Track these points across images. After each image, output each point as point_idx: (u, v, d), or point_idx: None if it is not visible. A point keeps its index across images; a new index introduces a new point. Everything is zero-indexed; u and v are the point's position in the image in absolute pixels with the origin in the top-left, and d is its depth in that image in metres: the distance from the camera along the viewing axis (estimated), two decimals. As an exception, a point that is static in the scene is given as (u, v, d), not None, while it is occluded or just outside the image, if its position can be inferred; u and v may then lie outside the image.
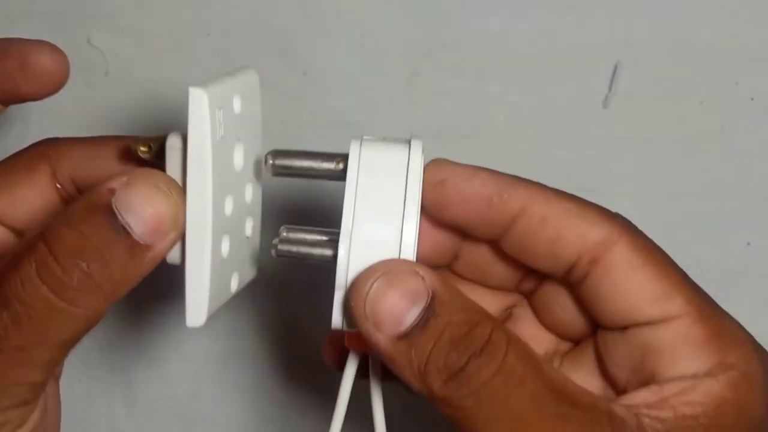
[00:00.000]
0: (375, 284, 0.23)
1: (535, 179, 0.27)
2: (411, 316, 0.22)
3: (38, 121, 0.44)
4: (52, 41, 0.44)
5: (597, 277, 0.26)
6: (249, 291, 0.30)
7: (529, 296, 0.30)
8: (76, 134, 0.45)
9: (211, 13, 0.43)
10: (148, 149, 0.27)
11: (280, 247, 0.26)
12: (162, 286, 0.46)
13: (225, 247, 0.26)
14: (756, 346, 0.26)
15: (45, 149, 0.29)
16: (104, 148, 0.29)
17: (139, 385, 0.47)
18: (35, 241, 0.23)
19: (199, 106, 0.23)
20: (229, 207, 0.26)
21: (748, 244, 0.41)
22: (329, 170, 0.26)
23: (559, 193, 0.27)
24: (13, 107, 0.30)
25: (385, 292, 0.23)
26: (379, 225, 0.24)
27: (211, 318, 0.26)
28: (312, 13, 0.42)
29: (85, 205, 0.23)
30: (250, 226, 0.28)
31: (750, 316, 0.43)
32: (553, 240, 0.26)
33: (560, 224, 0.26)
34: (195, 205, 0.24)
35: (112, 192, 0.23)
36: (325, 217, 0.26)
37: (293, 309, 0.44)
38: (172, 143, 0.25)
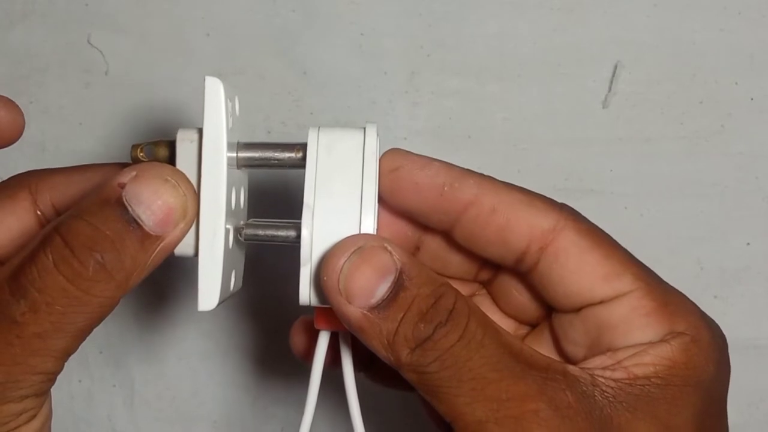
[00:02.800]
0: (349, 260, 0.24)
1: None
2: (381, 289, 0.24)
3: (38, 121, 0.44)
4: (52, 41, 0.44)
5: (548, 263, 0.27)
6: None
7: (487, 285, 0.31)
8: (75, 133, 0.45)
9: (211, 13, 0.43)
10: (146, 154, 0.27)
11: (247, 231, 0.27)
12: (162, 285, 0.46)
13: (231, 238, 0.26)
14: (702, 314, 0.27)
15: (25, 178, 0.30)
16: (86, 173, 0.30)
17: (139, 385, 0.47)
18: (50, 234, 0.24)
19: (216, 92, 0.25)
20: (233, 200, 0.26)
21: (748, 244, 0.41)
22: (290, 158, 0.27)
23: (509, 185, 0.27)
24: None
25: (359, 267, 0.24)
26: (340, 201, 0.26)
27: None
28: (312, 13, 0.42)
29: (97, 200, 0.24)
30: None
31: (750, 316, 0.43)
32: (502, 228, 0.27)
33: (509, 213, 0.27)
34: (210, 189, 0.25)
35: (122, 186, 0.24)
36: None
37: (293, 308, 0.44)
38: (183, 136, 0.26)
